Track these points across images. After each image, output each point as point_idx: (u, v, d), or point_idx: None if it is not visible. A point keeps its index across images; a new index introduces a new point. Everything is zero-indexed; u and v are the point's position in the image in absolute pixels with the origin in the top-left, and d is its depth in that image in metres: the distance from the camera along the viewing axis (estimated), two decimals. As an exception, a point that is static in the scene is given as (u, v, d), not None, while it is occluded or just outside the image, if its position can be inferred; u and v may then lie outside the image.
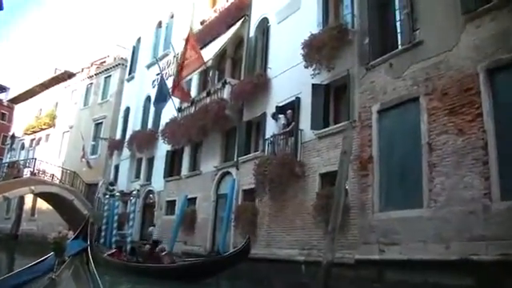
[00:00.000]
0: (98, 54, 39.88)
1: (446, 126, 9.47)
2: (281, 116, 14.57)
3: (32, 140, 39.56)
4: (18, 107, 45.35)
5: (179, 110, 20.93)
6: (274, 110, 15.09)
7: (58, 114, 37.37)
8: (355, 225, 11.15)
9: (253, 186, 15.16)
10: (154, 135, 24.03)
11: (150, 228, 20.44)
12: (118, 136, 28.86)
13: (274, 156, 13.98)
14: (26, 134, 40.39)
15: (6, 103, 50.88)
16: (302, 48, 13.58)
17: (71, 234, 6.85)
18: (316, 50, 13.06)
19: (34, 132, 39.10)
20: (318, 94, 13.31)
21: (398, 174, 10.40)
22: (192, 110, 19.62)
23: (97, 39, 76.83)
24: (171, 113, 21.40)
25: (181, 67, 18.76)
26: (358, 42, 12.46)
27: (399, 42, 11.64)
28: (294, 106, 14.35)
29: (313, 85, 13.43)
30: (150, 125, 25.49)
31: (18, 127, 42.04)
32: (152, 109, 25.68)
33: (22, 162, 28.12)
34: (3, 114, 51.64)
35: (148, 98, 26.55)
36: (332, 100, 13.40)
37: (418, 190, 9.67)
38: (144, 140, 24.55)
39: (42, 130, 38.12)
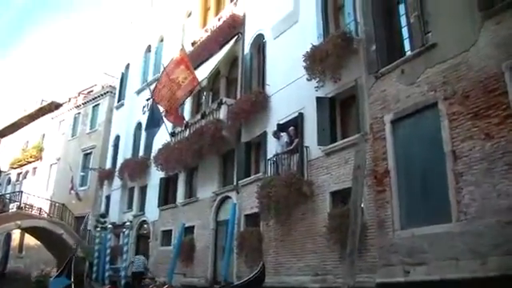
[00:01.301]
0: (86, 83, 39.10)
1: (470, 131, 8.65)
2: (283, 134, 13.72)
3: (18, 174, 38.40)
4: (3, 141, 44.11)
5: (172, 134, 20.01)
6: (274, 129, 14.25)
7: (46, 145, 36.40)
8: (374, 245, 10.21)
9: (256, 210, 14.22)
10: (147, 162, 23.08)
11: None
12: (109, 165, 27.86)
13: (278, 176, 13.05)
14: (12, 168, 39.24)
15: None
16: (304, 60, 12.84)
17: (55, 272, 6.24)
18: (319, 61, 12.30)
19: (21, 165, 38.01)
20: (323, 107, 12.52)
21: (420, 187, 9.52)
22: (186, 133, 18.72)
23: (84, 68, 76.05)
24: (164, 138, 20.48)
25: (174, 89, 17.95)
26: (365, 50, 11.73)
27: (409, 47, 10.94)
28: (297, 122, 13.53)
29: (317, 98, 12.65)
30: (141, 152, 24.55)
31: (3, 161, 40.68)
32: (143, 136, 24.79)
33: (7, 196, 26.77)
34: (-12, 149, 50.20)
35: (139, 125, 25.69)
36: (338, 113, 12.61)
37: (444, 202, 8.78)
38: (136, 168, 23.57)
39: (29, 163, 37.08)
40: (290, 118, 13.99)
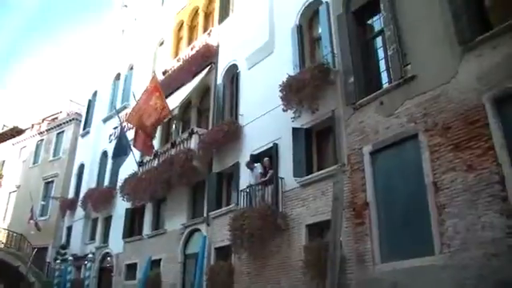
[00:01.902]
0: (50, 109, 38.05)
1: (452, 162, 8.53)
2: (257, 165, 13.39)
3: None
4: (-41, 168, 42.24)
5: (140, 164, 19.39)
6: (247, 159, 13.88)
7: (5, 172, 34.98)
8: (353, 280, 9.86)
9: (227, 242, 13.75)
10: (112, 192, 22.29)
11: None
12: (71, 195, 26.84)
13: (251, 208, 12.65)
14: (-33, 195, 37.32)
15: None
16: (280, 90, 12.66)
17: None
18: (296, 91, 12.14)
19: (-23, 193, 36.19)
20: (299, 138, 12.29)
21: (401, 219, 9.29)
22: (155, 163, 18.16)
23: (49, 95, 74.28)
24: (131, 168, 19.85)
25: (148, 115, 17.48)
26: (342, 82, 11.63)
27: (387, 79, 10.89)
28: (271, 153, 13.26)
29: (293, 129, 12.42)
30: (106, 182, 23.73)
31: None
32: (109, 165, 24.06)
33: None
34: None
35: (104, 153, 24.96)
36: (315, 144, 12.41)
37: (426, 235, 8.56)
38: (100, 198, 22.72)
39: (-14, 190, 35.34)
40: (264, 148, 13.72)
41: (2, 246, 24.70)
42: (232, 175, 15.10)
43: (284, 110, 12.67)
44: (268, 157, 13.25)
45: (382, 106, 10.48)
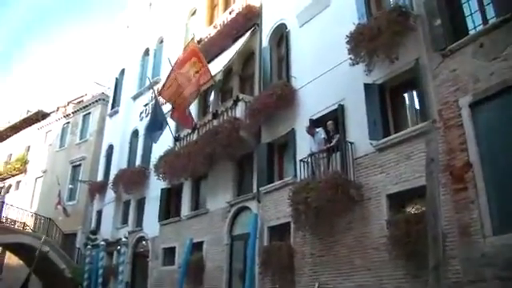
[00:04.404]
0: (75, 93, 36.64)
1: None
2: (318, 130, 11.64)
3: (0, 188, 35.60)
4: (-15, 154, 41.49)
5: (177, 139, 17.82)
6: (305, 125, 12.10)
7: (30, 158, 33.93)
8: (455, 257, 8.07)
9: (284, 220, 12.14)
10: (145, 172, 20.80)
11: None
12: (100, 178, 25.44)
13: (316, 179, 10.89)
14: (-7, 181, 36.50)
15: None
16: (348, 42, 10.83)
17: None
18: (368, 41, 10.28)
19: (3, 179, 35.42)
20: (372, 95, 10.50)
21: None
22: (194, 136, 16.53)
23: (73, 79, 73.19)
24: (165, 145, 18.30)
25: (184, 86, 15.82)
26: (425, 26, 9.77)
27: (481, 20, 8.98)
28: (336, 115, 11.49)
29: (365, 85, 10.64)
30: (138, 162, 22.22)
31: (-16, 175, 38.04)
32: (140, 144, 22.62)
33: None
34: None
35: (135, 132, 23.51)
36: (391, 101, 10.59)
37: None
38: (132, 179, 21.20)
39: (12, 176, 34.51)
40: (325, 111, 11.96)
41: (30, 231, 23.38)
42: (285, 145, 13.42)
43: (352, 65, 10.86)
44: (332, 120, 11.47)
45: (482, 49, 8.61)
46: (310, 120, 12.05)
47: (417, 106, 10.19)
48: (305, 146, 12.04)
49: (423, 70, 9.57)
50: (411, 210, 9.18)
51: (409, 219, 8.71)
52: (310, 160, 11.56)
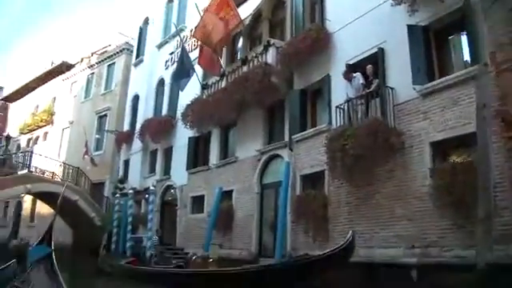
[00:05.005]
0: (99, 44, 36.20)
1: None
2: (356, 75, 11.07)
3: (29, 139, 36.15)
4: (12, 106, 41.87)
5: (204, 86, 17.42)
6: (340, 71, 11.57)
7: (56, 109, 34.04)
8: (507, 208, 7.63)
9: (317, 168, 11.81)
10: (171, 121, 20.60)
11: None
12: (126, 127, 25.34)
13: (356, 125, 10.42)
14: (21, 133, 36.96)
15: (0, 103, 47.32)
16: (392, -22, 10.10)
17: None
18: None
19: (31, 131, 35.75)
20: (416, 38, 9.83)
21: None
22: (223, 83, 16.10)
23: (97, 29, 72.68)
24: (193, 93, 17.95)
25: (207, 33, 15.28)
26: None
27: None
28: (375, 59, 10.88)
29: (409, 27, 9.96)
30: (164, 111, 22.00)
31: (13, 127, 38.43)
32: (166, 93, 22.34)
33: (17, 159, 24.24)
34: (-3, 114, 47.80)
35: (161, 81, 23.20)
36: (434, 44, 9.92)
37: None
38: (159, 128, 21.05)
39: (40, 127, 34.78)
40: (363, 56, 11.35)
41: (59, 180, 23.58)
42: (319, 91, 12.93)
43: (394, 5, 10.16)
44: (370, 65, 10.88)
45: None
46: (347, 65, 11.51)
47: (465, 49, 9.51)
48: (340, 92, 11.55)
49: (474, 8, 8.85)
50: (457, 158, 8.70)
51: (455, 168, 8.27)
52: (346, 106, 11.07)
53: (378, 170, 10.00)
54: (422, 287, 8.36)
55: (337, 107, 11.32)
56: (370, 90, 10.54)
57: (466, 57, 9.41)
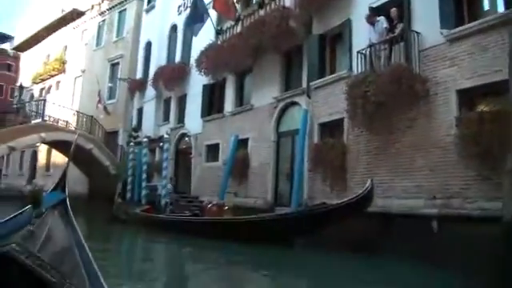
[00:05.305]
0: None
1: None
2: (380, 18, 10.54)
3: (41, 89, 36.09)
4: (24, 55, 41.62)
5: (218, 32, 16.92)
6: (361, 16, 11.02)
7: (68, 58, 33.65)
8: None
9: (336, 116, 11.48)
10: (185, 69, 20.21)
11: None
12: (139, 75, 24.98)
13: (378, 71, 10.01)
14: (34, 83, 36.89)
15: (11, 53, 47.03)
16: None
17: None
18: None
19: (43, 80, 35.61)
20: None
21: None
22: (238, 28, 15.60)
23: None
24: (207, 39, 17.48)
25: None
26: None
27: None
28: (401, 2, 10.31)
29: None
30: (177, 58, 21.58)
31: (25, 77, 38.27)
32: (179, 40, 21.82)
33: (30, 108, 24.17)
34: (9, 65, 47.63)
35: (174, 28, 22.64)
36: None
37: None
38: (173, 75, 20.69)
39: (52, 76, 34.62)
40: (386, -1, 10.77)
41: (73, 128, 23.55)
42: (339, 36, 12.40)
43: None
44: (395, 8, 10.33)
45: None
46: (370, 8, 10.93)
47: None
48: (361, 37, 11.05)
49: None
50: (484, 107, 8.33)
51: (482, 117, 7.90)
52: (368, 52, 10.61)
53: (400, 118, 9.66)
54: (443, 238, 8.20)
55: (358, 52, 10.85)
56: (395, 34, 10.04)
57: (499, 1, 8.85)
